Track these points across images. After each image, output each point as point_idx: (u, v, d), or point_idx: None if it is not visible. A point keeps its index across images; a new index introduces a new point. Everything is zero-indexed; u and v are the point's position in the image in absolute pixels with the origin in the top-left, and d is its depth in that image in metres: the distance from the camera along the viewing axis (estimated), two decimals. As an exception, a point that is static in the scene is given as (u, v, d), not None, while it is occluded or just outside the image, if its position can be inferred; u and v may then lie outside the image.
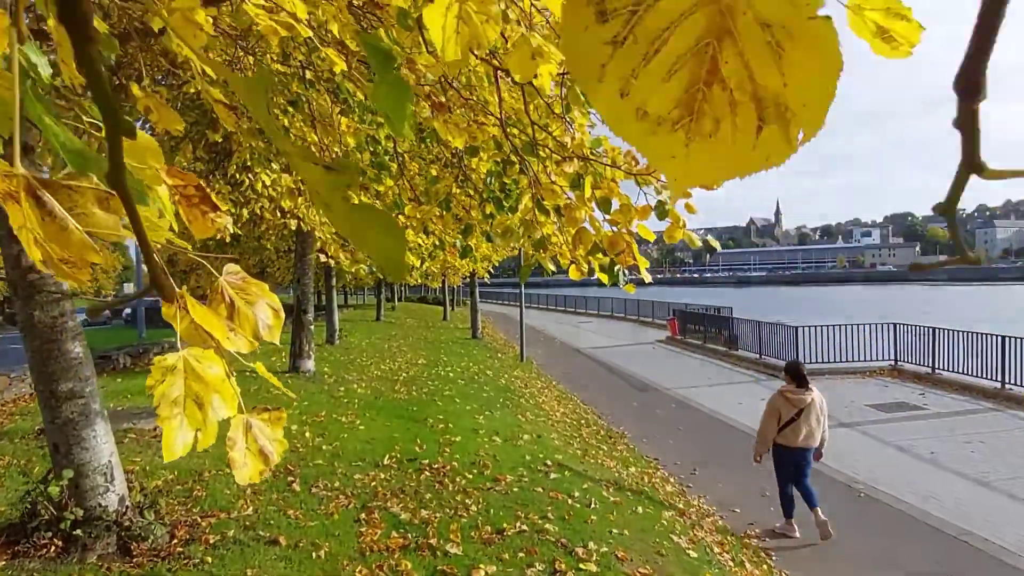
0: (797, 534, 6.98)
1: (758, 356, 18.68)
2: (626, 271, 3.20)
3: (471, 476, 5.81)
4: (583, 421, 11.74)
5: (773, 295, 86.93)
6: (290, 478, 5.07)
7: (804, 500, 6.86)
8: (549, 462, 6.77)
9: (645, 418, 13.01)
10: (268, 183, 6.90)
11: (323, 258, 6.34)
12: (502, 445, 7.41)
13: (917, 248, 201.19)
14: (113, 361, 11.08)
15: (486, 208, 3.91)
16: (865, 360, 16.93)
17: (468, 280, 26.39)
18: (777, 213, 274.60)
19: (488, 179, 3.67)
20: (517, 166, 3.60)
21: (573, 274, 3.69)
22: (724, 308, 25.86)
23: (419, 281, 31.90)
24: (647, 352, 23.69)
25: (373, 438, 6.93)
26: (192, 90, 7.00)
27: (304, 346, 11.09)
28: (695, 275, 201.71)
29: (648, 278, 3.42)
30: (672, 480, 8.98)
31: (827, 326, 17.14)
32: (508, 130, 3.68)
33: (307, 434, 6.77)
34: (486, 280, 21.43)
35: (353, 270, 6.46)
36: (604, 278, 3.47)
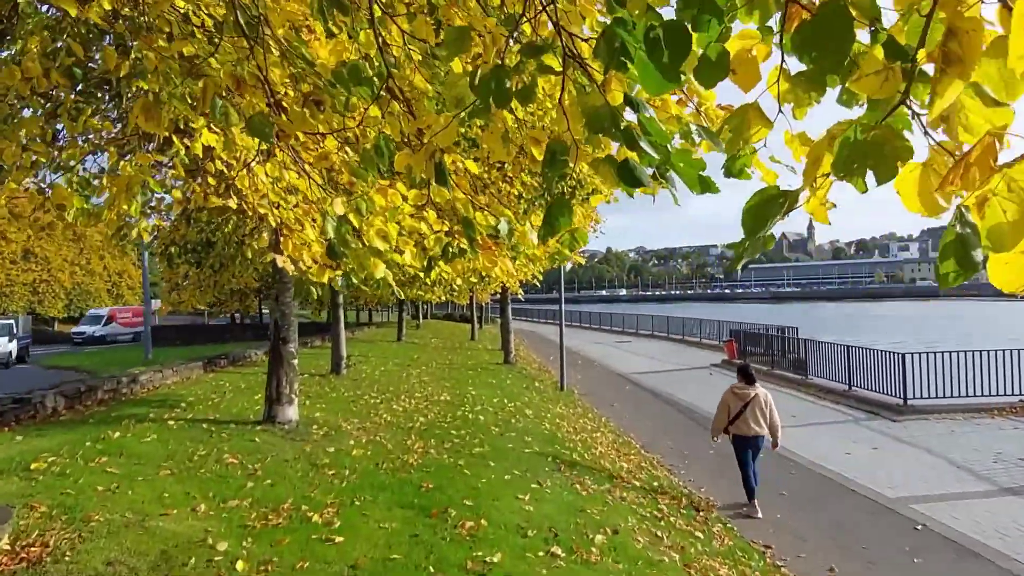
0: (759, 514, 7.93)
1: (847, 387, 15.56)
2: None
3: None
4: (656, 483, 8.86)
5: (821, 311, 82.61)
6: None
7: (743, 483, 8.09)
8: (653, 608, 3.93)
9: (730, 475, 10.05)
10: (215, 146, 4.22)
11: (280, 260, 3.70)
12: (567, 564, 4.57)
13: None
14: (36, 406, 8.31)
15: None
16: (987, 395, 13.76)
17: (498, 296, 23.65)
18: (810, 227, 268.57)
19: None
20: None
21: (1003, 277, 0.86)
22: (789, 328, 22.76)
23: (444, 298, 29.26)
24: (704, 379, 20.62)
25: (356, 564, 4.12)
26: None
27: (283, 387, 8.12)
28: (726, 291, 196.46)
29: None
30: (812, 595, 6.07)
31: (940, 353, 13.99)
32: None
33: (240, 565, 3.94)
34: (520, 297, 18.63)
35: (326, 280, 3.88)
36: None
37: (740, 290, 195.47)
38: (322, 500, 5.37)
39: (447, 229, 2.89)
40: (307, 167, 3.17)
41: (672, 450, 11.47)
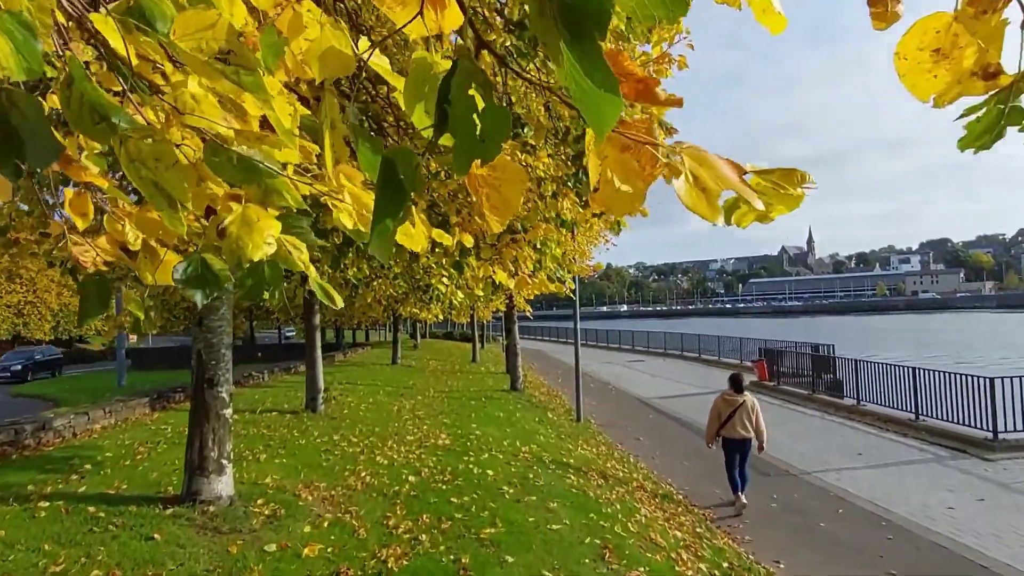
0: (744, 500, 8.69)
1: (913, 417, 13.27)
2: None
3: None
4: (727, 563, 6.56)
5: (829, 325, 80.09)
6: None
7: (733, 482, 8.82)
8: None
9: (808, 539, 7.75)
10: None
11: (75, 249, 1.57)
12: None
13: (961, 275, 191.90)
14: None
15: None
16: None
17: (501, 314, 21.41)
18: (810, 241, 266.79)
19: None
20: None
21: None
22: (824, 345, 20.50)
23: (441, 316, 27.00)
24: (735, 405, 18.29)
25: None
26: None
27: (209, 450, 5.54)
28: (728, 306, 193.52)
29: None
30: None
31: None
32: None
33: None
34: (528, 314, 16.38)
35: (171, 280, 1.87)
36: None
37: (742, 305, 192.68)
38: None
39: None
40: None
41: (724, 502, 9.17)
